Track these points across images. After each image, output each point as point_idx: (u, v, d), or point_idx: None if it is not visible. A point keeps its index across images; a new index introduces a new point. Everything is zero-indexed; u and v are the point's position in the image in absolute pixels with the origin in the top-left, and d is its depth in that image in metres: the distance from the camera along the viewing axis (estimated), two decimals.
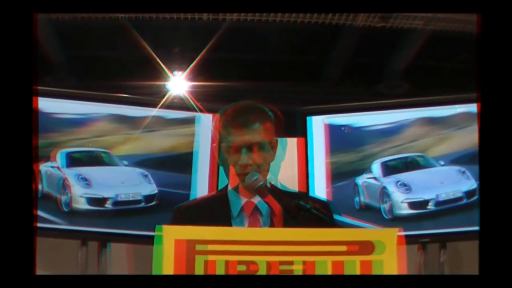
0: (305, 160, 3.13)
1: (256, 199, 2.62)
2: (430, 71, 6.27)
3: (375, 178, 3.15)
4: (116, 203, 3.07)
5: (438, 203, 3.10)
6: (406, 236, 2.47)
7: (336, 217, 2.90)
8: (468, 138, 3.10)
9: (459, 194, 3.10)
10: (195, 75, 5.69)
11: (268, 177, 2.66)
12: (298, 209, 2.34)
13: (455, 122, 3.15)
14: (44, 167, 3.02)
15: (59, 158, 3.05)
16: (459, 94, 3.17)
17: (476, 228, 2.19)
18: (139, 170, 3.11)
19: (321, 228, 2.22)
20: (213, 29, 4.99)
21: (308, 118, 3.18)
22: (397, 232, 2.12)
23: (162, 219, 2.85)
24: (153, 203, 3.10)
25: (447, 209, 3.10)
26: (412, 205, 3.11)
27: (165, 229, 2.07)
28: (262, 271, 2.04)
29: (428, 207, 3.10)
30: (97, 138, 3.09)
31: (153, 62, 5.21)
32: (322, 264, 2.06)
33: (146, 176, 3.10)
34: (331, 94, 6.09)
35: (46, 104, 3.00)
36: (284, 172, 3.09)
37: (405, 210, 3.11)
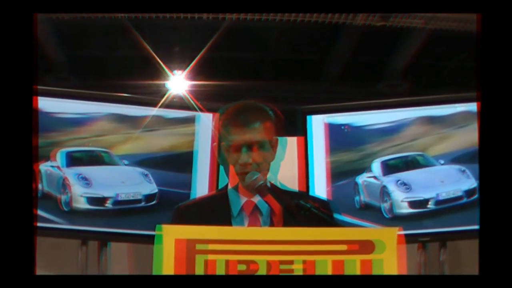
0: (305, 159, 3.13)
1: (256, 199, 2.62)
2: (430, 70, 6.27)
3: (375, 177, 3.15)
4: (116, 202, 3.07)
5: (438, 202, 3.10)
6: (406, 235, 2.48)
7: (336, 216, 2.90)
8: (468, 137, 3.09)
9: (459, 193, 3.10)
10: (195, 75, 5.70)
11: (267, 176, 2.66)
12: (298, 208, 2.34)
13: (455, 121, 3.15)
14: (44, 167, 3.02)
15: (59, 157, 3.05)
16: (459, 93, 3.17)
17: (476, 227, 2.19)
18: (139, 169, 3.11)
19: (321, 227, 2.22)
20: (213, 28, 4.99)
21: (308, 117, 3.18)
22: (397, 232, 2.12)
23: (162, 218, 2.85)
24: (153, 202, 3.10)
25: (447, 208, 3.10)
26: (412, 204, 3.11)
27: (165, 229, 2.07)
28: (262, 270, 2.05)
29: (428, 206, 3.10)
30: (97, 137, 3.09)
31: (153, 62, 5.21)
32: (322, 263, 2.06)
33: (146, 175, 3.10)
34: (331, 93, 6.09)
35: (46, 104, 3.00)
36: (284, 171, 3.09)
37: (405, 209, 3.11)
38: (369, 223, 3.07)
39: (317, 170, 3.14)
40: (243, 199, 2.64)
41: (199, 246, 2.05)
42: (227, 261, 2.05)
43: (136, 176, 3.11)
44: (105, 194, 3.06)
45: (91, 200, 3.04)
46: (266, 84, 6.17)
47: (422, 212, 3.10)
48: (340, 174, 3.16)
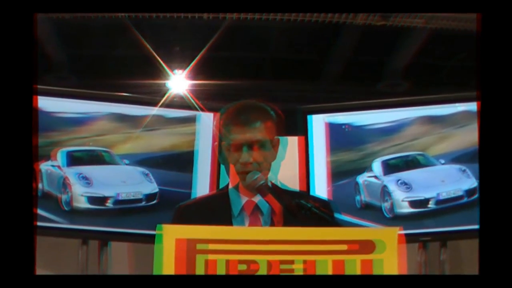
0: (305, 159, 3.13)
1: (257, 198, 2.62)
2: (431, 69, 6.26)
3: (375, 177, 3.15)
4: (116, 202, 3.07)
5: (438, 202, 3.10)
6: (407, 234, 2.48)
7: (337, 215, 2.90)
8: (468, 136, 3.09)
9: (460, 193, 3.10)
10: (196, 74, 5.69)
11: (268, 176, 2.66)
12: (298, 208, 2.34)
13: (455, 120, 3.15)
14: (44, 166, 3.03)
15: (60, 157, 3.05)
16: (460, 93, 3.17)
17: (477, 226, 2.19)
18: (140, 169, 3.11)
19: (321, 227, 2.22)
20: (214, 28, 4.99)
21: (308, 116, 3.18)
22: (397, 231, 2.12)
23: (163, 218, 2.86)
24: (154, 202, 3.10)
25: (448, 208, 3.10)
26: (413, 203, 3.11)
27: (165, 228, 2.07)
28: (263, 270, 2.05)
29: (429, 205, 3.10)
30: (97, 137, 3.09)
31: (153, 61, 5.21)
32: (322, 263, 2.06)
33: (147, 175, 3.11)
34: (332, 92, 6.09)
35: (46, 103, 3.00)
36: (285, 171, 3.09)
37: (406, 209, 3.11)
38: (369, 223, 3.07)
39: (317, 169, 3.14)
40: (244, 199, 2.64)
41: (199, 246, 2.06)
42: (227, 261, 2.05)
43: (136, 175, 3.11)
44: (106, 193, 3.06)
45: (92, 199, 3.05)
46: (266, 84, 6.16)
47: (422, 212, 3.10)
48: (341, 173, 3.16)
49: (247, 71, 6.07)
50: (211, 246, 2.06)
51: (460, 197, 3.10)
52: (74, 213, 3.02)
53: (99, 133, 3.09)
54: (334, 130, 3.18)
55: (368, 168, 3.15)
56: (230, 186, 2.74)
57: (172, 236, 2.06)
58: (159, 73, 5.51)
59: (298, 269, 2.06)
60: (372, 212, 3.13)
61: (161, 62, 5.24)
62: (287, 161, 3.09)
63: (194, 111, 3.15)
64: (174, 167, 3.14)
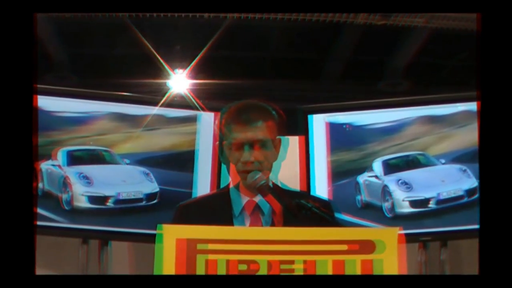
0: (306, 158, 3.13)
1: (258, 198, 2.62)
2: (431, 69, 6.26)
3: (376, 177, 3.15)
4: (117, 201, 3.07)
5: (439, 202, 3.11)
6: (407, 234, 2.48)
7: (337, 215, 2.90)
8: (469, 136, 3.09)
9: (460, 193, 3.10)
10: (196, 73, 5.69)
11: (269, 175, 2.66)
12: (299, 208, 2.34)
13: (456, 120, 3.15)
14: (45, 166, 3.03)
15: (60, 156, 3.05)
16: (460, 92, 3.17)
17: (477, 226, 2.19)
18: (140, 168, 3.11)
19: (322, 227, 2.22)
20: (214, 27, 4.98)
21: (309, 116, 3.18)
22: (397, 232, 2.12)
23: (163, 217, 2.86)
24: (154, 201, 3.10)
25: (448, 208, 3.10)
26: (413, 203, 3.11)
27: (165, 228, 2.08)
28: (263, 270, 2.05)
29: (429, 205, 3.10)
30: (98, 136, 3.09)
31: (154, 60, 5.21)
32: (322, 263, 2.06)
33: (147, 174, 3.11)
34: (332, 92, 6.09)
35: (47, 102, 3.00)
36: (285, 171, 3.09)
37: (406, 209, 3.11)
38: (370, 223, 3.07)
39: (318, 169, 3.14)
40: (245, 199, 2.64)
41: (200, 246, 2.06)
42: (227, 261, 2.05)
43: (137, 175, 3.11)
44: (106, 193, 3.07)
45: (92, 199, 3.05)
46: (267, 83, 6.16)
47: (423, 212, 3.11)
48: (341, 173, 3.16)
49: (248, 71, 6.07)
50: (211, 246, 2.06)
51: (461, 197, 3.10)
52: (75, 213, 3.02)
53: (99, 132, 3.09)
54: (334, 130, 3.18)
55: (369, 168, 3.16)
56: (231, 186, 2.74)
57: (172, 236, 2.06)
58: (159, 73, 5.51)
59: (298, 269, 2.06)
60: (373, 212, 3.13)
61: (162, 61, 5.24)
62: (287, 161, 3.08)
63: (194, 111, 3.15)
64: (175, 167, 3.14)
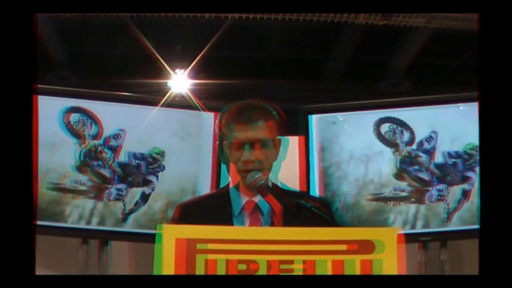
0: (306, 158, 3.13)
1: (257, 198, 2.62)
2: (433, 69, 6.27)
3: None
4: None
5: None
6: (407, 234, 2.48)
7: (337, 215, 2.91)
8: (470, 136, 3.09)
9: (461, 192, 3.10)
10: (197, 73, 5.70)
11: (268, 176, 2.66)
12: (298, 208, 2.34)
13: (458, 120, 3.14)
14: None
15: None
16: (462, 92, 3.16)
17: (477, 226, 2.19)
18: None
19: (321, 227, 2.22)
20: (215, 27, 4.99)
21: (309, 116, 3.18)
22: (397, 231, 2.12)
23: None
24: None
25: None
26: None
27: (165, 228, 2.08)
28: (263, 270, 2.05)
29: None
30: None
31: (154, 60, 5.22)
32: (322, 263, 2.06)
33: (148, 174, 3.10)
34: (333, 92, 6.10)
35: (47, 102, 3.00)
36: (285, 171, 3.09)
37: None
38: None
39: (318, 169, 3.13)
40: (244, 199, 2.64)
41: (199, 246, 2.06)
42: (227, 261, 2.05)
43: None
44: None
45: None
46: (267, 83, 6.17)
47: None
48: None
49: (248, 71, 6.08)
50: (211, 246, 2.06)
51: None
52: None
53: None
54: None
55: None
56: (230, 186, 2.74)
57: (172, 235, 2.06)
58: (160, 73, 5.53)
59: (297, 269, 2.06)
60: None
61: (162, 61, 5.25)
62: (287, 160, 3.08)
63: (195, 111, 3.15)
64: (175, 167, 3.14)
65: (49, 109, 2.99)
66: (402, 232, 2.15)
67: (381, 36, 5.39)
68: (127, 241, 3.28)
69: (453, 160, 3.06)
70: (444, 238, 3.08)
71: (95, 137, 3.03)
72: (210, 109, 3.15)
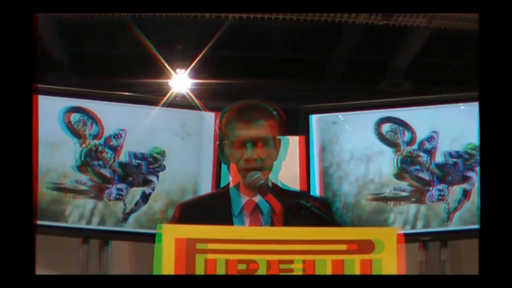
0: (306, 158, 3.13)
1: (257, 198, 2.62)
2: (433, 69, 6.26)
3: None
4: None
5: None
6: (408, 234, 2.48)
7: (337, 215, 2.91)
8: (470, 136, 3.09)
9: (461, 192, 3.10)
10: (198, 73, 5.70)
11: (269, 176, 2.66)
12: (298, 207, 2.34)
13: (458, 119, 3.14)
14: None
15: None
16: (463, 92, 3.16)
17: (477, 226, 2.19)
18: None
19: (321, 227, 2.22)
20: (216, 27, 4.99)
21: (310, 116, 3.18)
22: (396, 231, 2.12)
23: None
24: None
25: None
26: None
27: (165, 228, 2.08)
28: (262, 270, 2.05)
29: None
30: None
31: (155, 60, 5.22)
32: (321, 263, 2.06)
33: (148, 174, 3.10)
34: (333, 92, 6.10)
35: (48, 102, 3.00)
36: (286, 171, 3.09)
37: None
38: None
39: (318, 169, 3.13)
40: (244, 199, 2.64)
41: (199, 246, 2.06)
42: (227, 261, 2.05)
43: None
44: None
45: None
46: (268, 83, 6.17)
47: None
48: None
49: (249, 71, 6.08)
50: (211, 246, 2.06)
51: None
52: None
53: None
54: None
55: None
56: (230, 185, 2.74)
57: (171, 235, 2.06)
58: (161, 72, 5.53)
59: (297, 269, 2.06)
60: None
61: (163, 61, 5.25)
62: (288, 160, 3.09)
63: (196, 110, 3.15)
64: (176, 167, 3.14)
65: (50, 109, 3.00)
66: (402, 232, 2.15)
67: (381, 36, 5.39)
68: (127, 241, 3.28)
69: (453, 160, 3.06)
70: (444, 238, 3.08)
71: (95, 137, 3.03)
72: (210, 109, 3.15)
